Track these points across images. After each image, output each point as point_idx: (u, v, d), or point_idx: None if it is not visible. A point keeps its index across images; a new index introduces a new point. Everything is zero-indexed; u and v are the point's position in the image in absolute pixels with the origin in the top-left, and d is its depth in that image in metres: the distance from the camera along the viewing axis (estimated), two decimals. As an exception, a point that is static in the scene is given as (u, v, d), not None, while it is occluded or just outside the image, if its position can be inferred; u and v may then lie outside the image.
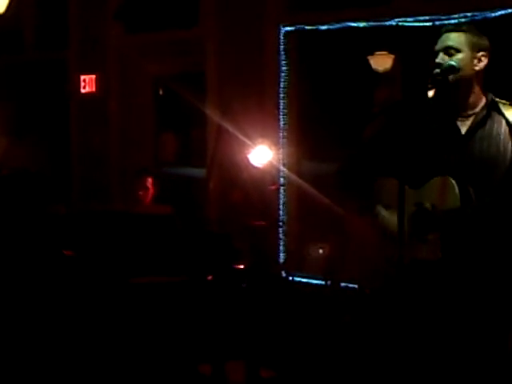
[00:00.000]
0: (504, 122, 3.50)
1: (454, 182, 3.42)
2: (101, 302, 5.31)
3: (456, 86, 3.48)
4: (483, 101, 3.56)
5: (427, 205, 3.47)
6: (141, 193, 6.48)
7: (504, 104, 3.55)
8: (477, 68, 3.53)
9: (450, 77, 3.44)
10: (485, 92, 3.59)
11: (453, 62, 3.44)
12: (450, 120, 3.57)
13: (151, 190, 6.50)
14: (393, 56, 6.41)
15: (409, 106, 3.60)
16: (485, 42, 3.56)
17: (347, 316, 5.63)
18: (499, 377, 3.49)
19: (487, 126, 3.51)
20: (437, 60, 3.49)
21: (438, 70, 3.45)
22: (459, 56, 3.47)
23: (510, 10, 5.54)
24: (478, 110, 3.55)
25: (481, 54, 3.53)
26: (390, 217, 3.53)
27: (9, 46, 8.51)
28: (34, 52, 8.44)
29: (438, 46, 3.53)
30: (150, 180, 6.52)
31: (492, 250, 3.45)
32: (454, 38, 3.50)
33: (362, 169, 3.77)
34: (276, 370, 5.36)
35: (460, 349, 3.49)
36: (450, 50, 3.48)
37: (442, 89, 3.51)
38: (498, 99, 3.57)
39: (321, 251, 6.46)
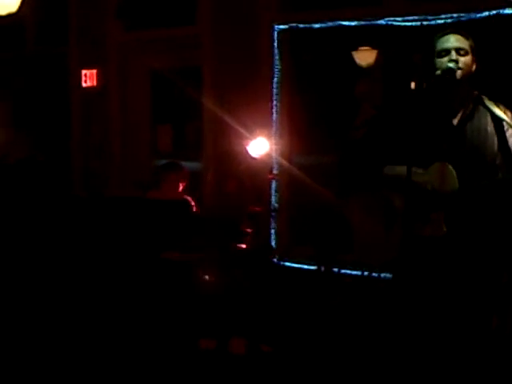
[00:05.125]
0: (489, 114, 3.90)
1: (451, 167, 3.82)
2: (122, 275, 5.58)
3: (457, 83, 3.87)
4: (470, 96, 3.96)
5: (428, 187, 3.86)
6: (183, 184, 6.53)
7: (488, 100, 3.94)
8: (472, 70, 3.93)
9: (458, 74, 3.83)
10: (472, 89, 3.99)
11: (451, 65, 3.83)
12: (444, 113, 3.96)
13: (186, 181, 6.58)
14: (376, 51, 6.61)
15: (400, 102, 4.02)
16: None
17: (339, 298, 5.97)
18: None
19: (475, 118, 3.91)
20: (452, 57, 3.83)
21: (438, 72, 3.84)
22: (467, 58, 3.87)
23: (494, 12, 5.85)
24: (466, 104, 3.95)
25: (475, 58, 3.94)
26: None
27: (11, 42, 8.55)
28: (36, 47, 8.49)
29: (449, 45, 3.87)
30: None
31: (490, 226, 3.84)
32: (464, 41, 3.90)
33: (363, 161, 4.15)
34: (274, 347, 5.63)
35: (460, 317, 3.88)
36: (461, 51, 3.86)
37: (440, 86, 3.90)
38: (482, 96, 3.96)
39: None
